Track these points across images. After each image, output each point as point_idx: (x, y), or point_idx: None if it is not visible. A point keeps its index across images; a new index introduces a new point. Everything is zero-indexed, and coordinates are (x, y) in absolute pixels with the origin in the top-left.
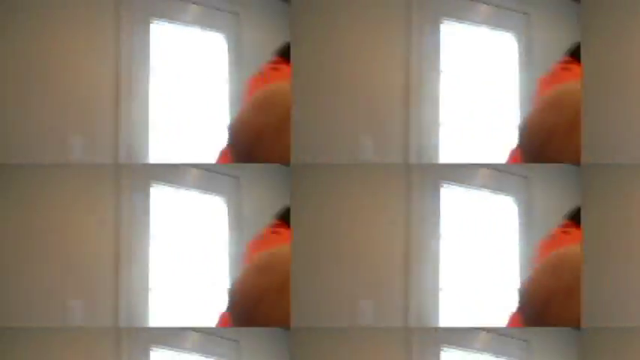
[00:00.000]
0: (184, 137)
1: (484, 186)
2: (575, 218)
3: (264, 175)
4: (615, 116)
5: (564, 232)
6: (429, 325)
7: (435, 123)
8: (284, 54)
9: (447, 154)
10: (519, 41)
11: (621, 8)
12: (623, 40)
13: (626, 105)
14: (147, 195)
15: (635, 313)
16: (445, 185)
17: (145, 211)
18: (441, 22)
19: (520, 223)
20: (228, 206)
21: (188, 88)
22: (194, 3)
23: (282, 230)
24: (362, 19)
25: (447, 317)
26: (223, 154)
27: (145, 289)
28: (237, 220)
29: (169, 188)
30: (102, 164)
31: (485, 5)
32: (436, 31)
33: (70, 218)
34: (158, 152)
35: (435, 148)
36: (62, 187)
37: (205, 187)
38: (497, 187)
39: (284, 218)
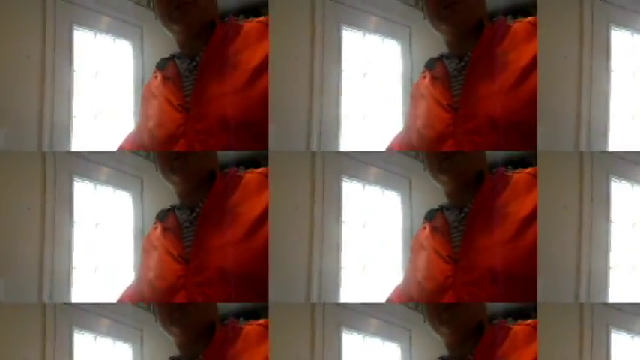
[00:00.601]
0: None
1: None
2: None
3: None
4: (568, 107)
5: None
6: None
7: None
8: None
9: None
10: (403, 51)
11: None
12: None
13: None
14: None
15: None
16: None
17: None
18: (342, 29)
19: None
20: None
21: (105, 87)
22: (107, 15)
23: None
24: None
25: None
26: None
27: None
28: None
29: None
30: (28, 152)
31: (375, 17)
32: (338, 37)
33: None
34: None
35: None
36: None
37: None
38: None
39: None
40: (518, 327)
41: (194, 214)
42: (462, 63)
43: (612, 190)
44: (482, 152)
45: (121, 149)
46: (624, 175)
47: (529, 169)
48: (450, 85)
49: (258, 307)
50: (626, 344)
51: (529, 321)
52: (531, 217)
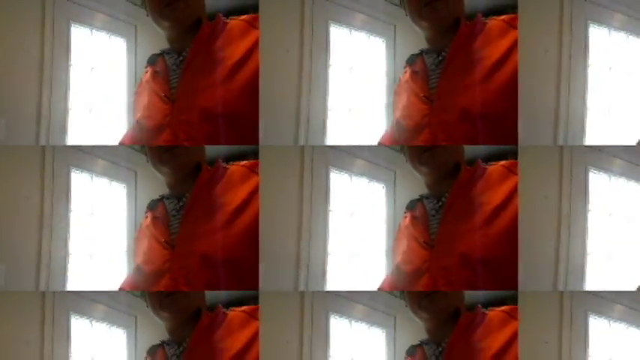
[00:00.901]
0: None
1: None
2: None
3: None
4: (548, 102)
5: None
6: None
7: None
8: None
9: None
10: (387, 47)
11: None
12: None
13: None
14: (67, 172)
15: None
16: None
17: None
18: (330, 25)
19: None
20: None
21: (102, 82)
22: (102, 13)
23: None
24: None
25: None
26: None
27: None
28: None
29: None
30: (28, 146)
31: (361, 14)
32: (326, 32)
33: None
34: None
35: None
36: None
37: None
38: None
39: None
40: (493, 313)
41: (181, 203)
42: (440, 58)
43: (590, 182)
44: (461, 145)
45: (121, 145)
46: (602, 167)
47: (503, 162)
48: (428, 79)
49: (248, 295)
50: (604, 329)
51: (503, 307)
52: (503, 206)
